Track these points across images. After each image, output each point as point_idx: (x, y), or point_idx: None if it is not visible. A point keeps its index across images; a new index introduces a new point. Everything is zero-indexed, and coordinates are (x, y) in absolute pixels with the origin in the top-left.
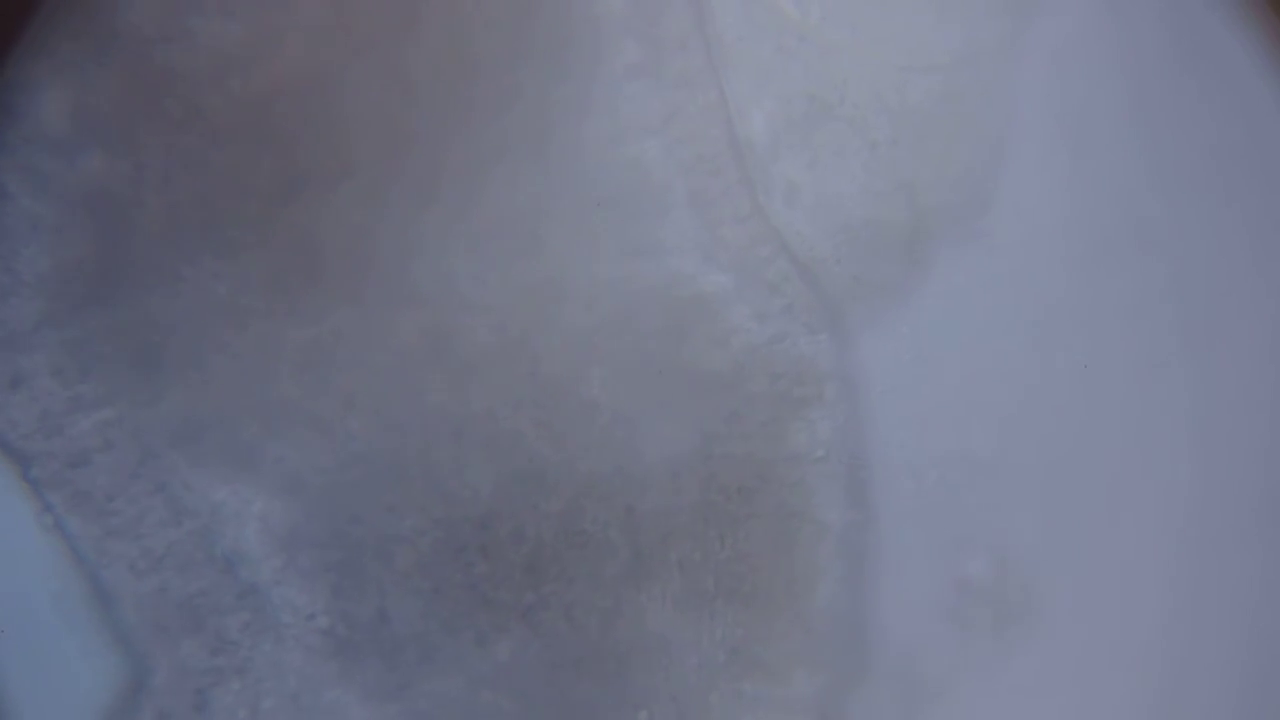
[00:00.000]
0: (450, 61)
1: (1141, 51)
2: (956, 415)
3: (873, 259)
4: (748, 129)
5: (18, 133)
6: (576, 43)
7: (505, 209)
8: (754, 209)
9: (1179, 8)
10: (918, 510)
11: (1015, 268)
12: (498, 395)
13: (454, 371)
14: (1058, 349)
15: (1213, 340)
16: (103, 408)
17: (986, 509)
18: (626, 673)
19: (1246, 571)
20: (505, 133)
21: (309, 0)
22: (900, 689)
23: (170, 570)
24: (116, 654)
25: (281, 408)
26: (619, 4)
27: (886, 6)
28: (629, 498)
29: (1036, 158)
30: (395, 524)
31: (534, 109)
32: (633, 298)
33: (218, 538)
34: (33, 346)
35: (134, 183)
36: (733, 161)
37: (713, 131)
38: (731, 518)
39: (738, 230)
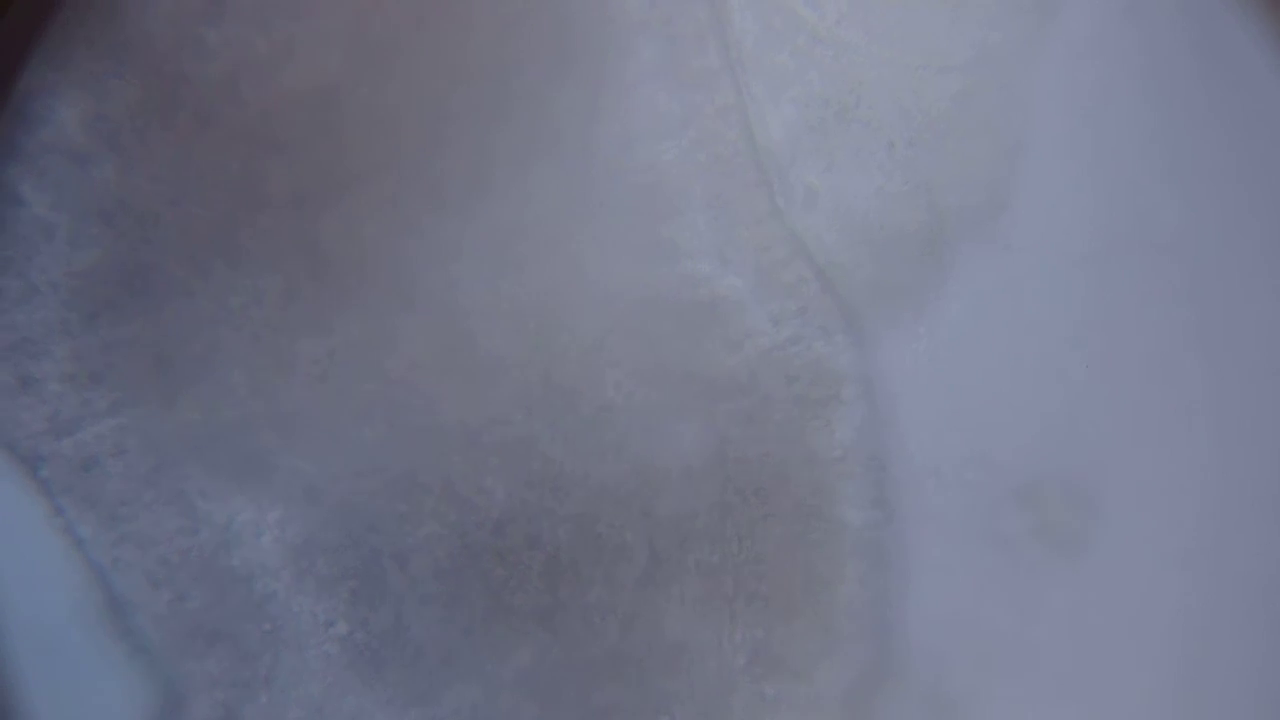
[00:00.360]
0: (463, 67)
1: (1159, 52)
2: (976, 416)
3: (890, 261)
4: (764, 132)
5: (34, 140)
6: (591, 45)
7: (519, 213)
8: (771, 211)
9: (1197, 8)
10: (938, 509)
11: (1033, 268)
12: (512, 400)
13: (468, 378)
14: (1075, 349)
15: (1229, 339)
16: (114, 414)
17: (1006, 508)
18: (647, 676)
19: (1262, 566)
20: (518, 137)
21: (320, 9)
22: (927, 687)
23: (187, 579)
24: (138, 667)
25: (296, 417)
26: (634, 5)
27: (902, 7)
28: (645, 501)
29: (1054, 158)
30: (411, 531)
31: (547, 112)
32: (648, 300)
33: (234, 546)
34: (43, 352)
35: (147, 193)
36: (750, 164)
37: (729, 133)
38: (749, 519)
39: (754, 233)
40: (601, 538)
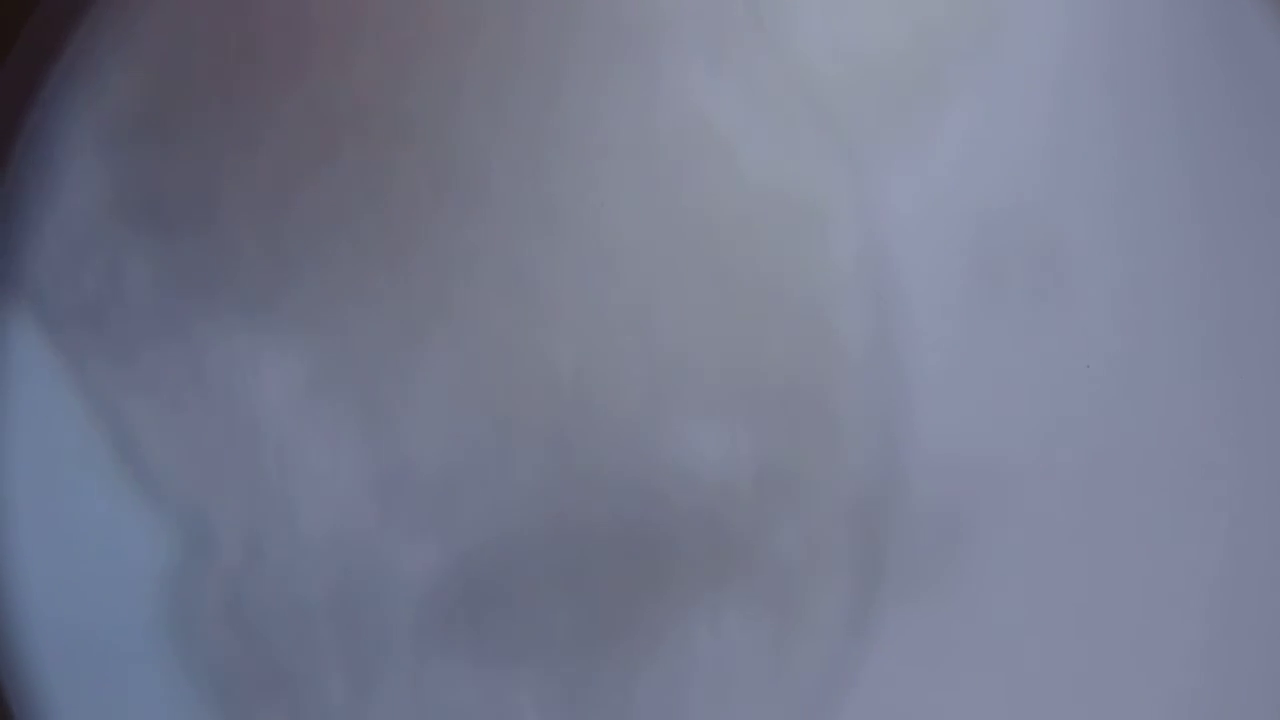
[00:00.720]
0: None
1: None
2: (975, 237)
3: (885, 88)
4: None
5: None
6: None
7: (517, 55)
8: (765, 44)
9: None
10: (939, 324)
11: (1030, 91)
12: (503, 229)
13: (458, 206)
14: (1080, 159)
15: (1220, 162)
16: (115, 259)
17: (1007, 316)
18: (651, 494)
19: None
20: None
21: None
22: (935, 499)
23: (197, 421)
24: (157, 510)
25: (296, 256)
26: None
27: None
28: (643, 319)
29: None
30: (417, 358)
31: None
32: (643, 139)
33: (240, 388)
34: (42, 203)
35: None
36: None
37: None
38: (750, 338)
39: (749, 66)
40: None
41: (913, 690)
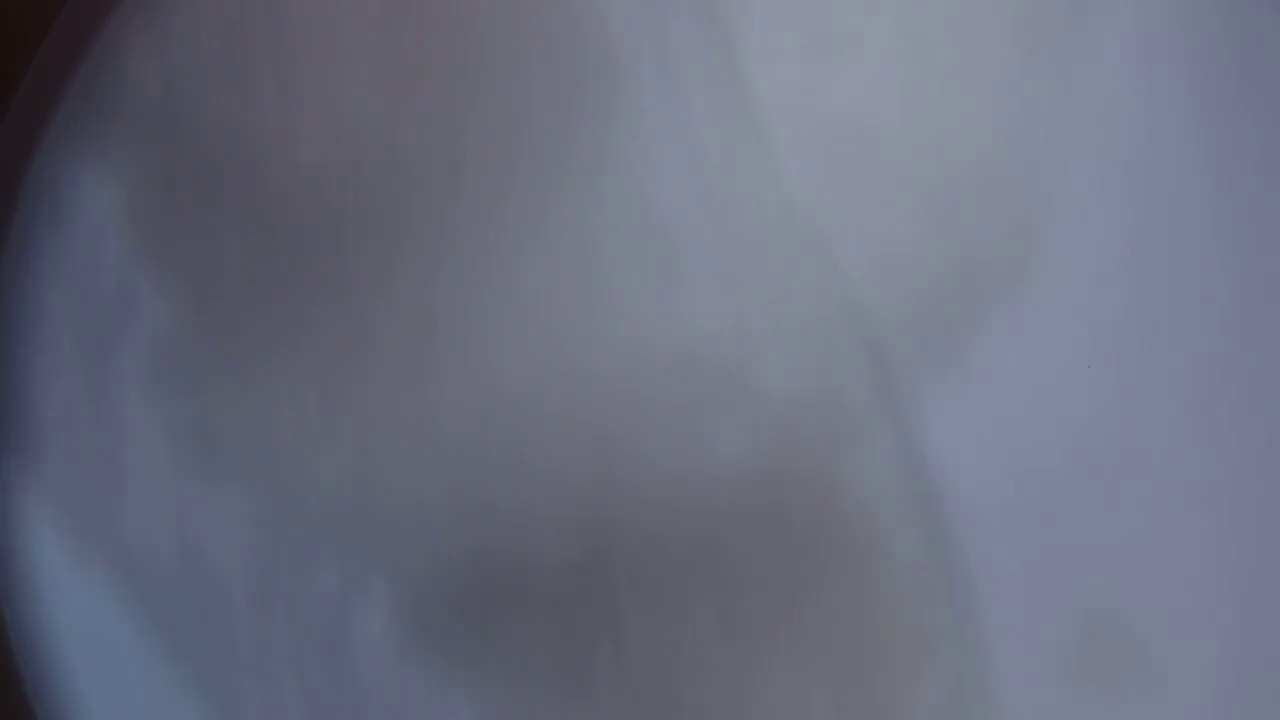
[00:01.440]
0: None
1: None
2: (1014, 445)
3: (918, 295)
4: (787, 182)
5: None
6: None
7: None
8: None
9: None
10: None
11: (1068, 299)
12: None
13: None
14: (1113, 372)
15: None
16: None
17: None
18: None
19: None
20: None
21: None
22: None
23: None
24: None
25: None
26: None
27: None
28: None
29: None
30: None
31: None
32: (671, 361)
33: None
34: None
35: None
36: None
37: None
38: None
39: (778, 278)
40: None
41: None
